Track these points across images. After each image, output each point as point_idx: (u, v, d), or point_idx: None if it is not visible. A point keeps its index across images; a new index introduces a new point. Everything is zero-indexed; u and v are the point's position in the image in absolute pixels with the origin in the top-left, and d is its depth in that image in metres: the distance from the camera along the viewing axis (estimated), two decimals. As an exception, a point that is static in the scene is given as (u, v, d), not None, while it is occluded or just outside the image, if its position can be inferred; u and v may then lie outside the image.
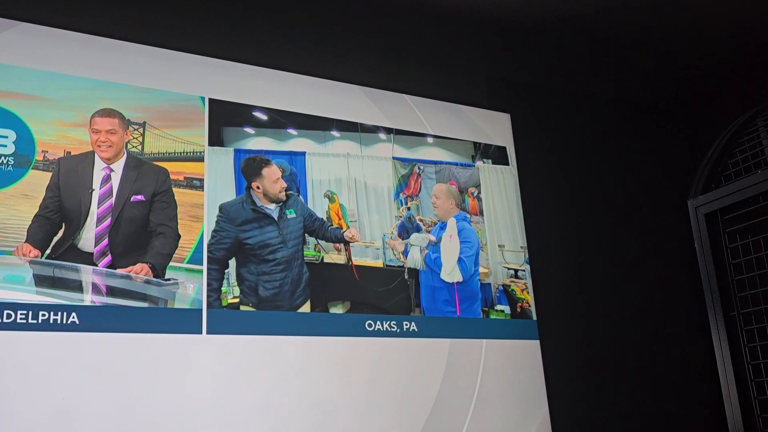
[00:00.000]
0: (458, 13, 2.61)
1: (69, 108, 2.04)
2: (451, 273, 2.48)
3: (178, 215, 2.10)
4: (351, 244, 2.36)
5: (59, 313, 1.84)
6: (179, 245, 2.06)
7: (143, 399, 1.87)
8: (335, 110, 2.47)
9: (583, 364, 2.65)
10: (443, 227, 2.55)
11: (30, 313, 1.81)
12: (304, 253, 2.28)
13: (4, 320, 1.77)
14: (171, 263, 2.04)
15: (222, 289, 2.09)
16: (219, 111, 2.25)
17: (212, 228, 2.13)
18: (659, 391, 2.79)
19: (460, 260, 2.51)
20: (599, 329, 2.75)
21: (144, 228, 2.05)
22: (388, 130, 2.56)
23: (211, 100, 2.24)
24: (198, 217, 2.12)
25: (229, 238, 2.15)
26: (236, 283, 2.13)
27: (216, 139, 2.23)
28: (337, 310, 2.26)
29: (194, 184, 2.15)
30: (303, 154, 2.38)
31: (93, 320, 1.87)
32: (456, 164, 2.66)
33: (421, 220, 2.52)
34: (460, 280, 2.48)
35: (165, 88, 2.19)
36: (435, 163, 2.62)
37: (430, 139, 2.64)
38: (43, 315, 1.82)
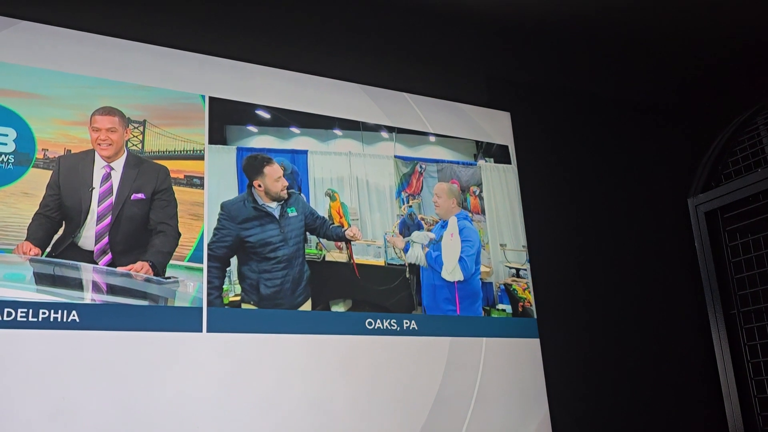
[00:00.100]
0: (458, 11, 2.61)
1: (69, 106, 2.04)
2: (452, 272, 2.48)
3: (178, 213, 2.10)
4: (352, 243, 2.36)
5: (59, 312, 1.84)
6: (180, 243, 2.06)
7: (143, 397, 1.87)
8: (336, 109, 2.47)
9: (583, 362, 2.66)
10: (444, 226, 2.55)
11: (30, 311, 1.81)
12: (306, 251, 2.28)
13: (5, 318, 1.77)
14: (171, 261, 2.03)
15: (223, 287, 2.09)
16: (219, 109, 2.25)
17: (213, 226, 2.13)
18: (659, 389, 2.79)
19: (461, 259, 2.51)
20: (599, 327, 2.75)
21: (144, 226, 2.05)
22: (390, 129, 2.56)
23: (211, 99, 2.24)
24: (198, 216, 2.12)
25: (231, 236, 2.15)
26: (237, 281, 2.13)
27: (218, 138, 2.23)
28: (338, 308, 2.26)
29: (194, 182, 2.15)
30: (305, 152, 2.38)
31: (93, 318, 1.87)
32: (458, 163, 2.66)
33: (423, 219, 2.52)
34: (461, 279, 2.49)
35: (165, 86, 2.18)
36: (437, 161, 2.62)
37: (432, 138, 2.64)
38: (44, 313, 1.82)
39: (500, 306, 2.53)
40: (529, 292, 2.59)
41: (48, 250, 1.91)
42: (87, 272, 1.94)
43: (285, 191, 2.29)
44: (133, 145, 2.11)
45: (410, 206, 2.52)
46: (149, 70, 2.18)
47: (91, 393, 1.81)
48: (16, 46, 2.01)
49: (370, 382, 2.18)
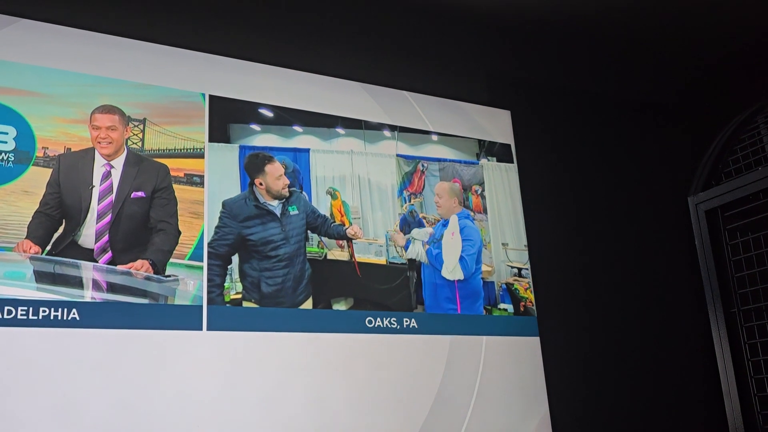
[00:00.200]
0: (459, 10, 2.61)
1: (69, 104, 2.03)
2: (452, 271, 2.48)
3: (178, 212, 2.09)
4: (354, 241, 2.36)
5: (60, 310, 1.84)
6: (180, 242, 2.06)
7: (143, 395, 1.87)
8: (337, 107, 2.47)
9: (584, 360, 2.66)
10: (445, 224, 2.55)
11: (30, 309, 1.81)
12: (308, 249, 2.28)
13: (5, 316, 1.77)
14: (172, 260, 2.03)
15: (225, 285, 2.09)
16: (219, 108, 2.25)
17: (214, 224, 2.13)
18: (659, 387, 2.79)
19: (461, 258, 2.51)
20: (599, 326, 2.75)
21: (144, 224, 2.05)
22: (393, 128, 2.56)
23: (211, 97, 2.24)
24: (198, 214, 2.12)
25: (232, 234, 2.15)
26: (239, 279, 2.12)
27: (219, 136, 2.22)
28: (340, 306, 2.26)
29: (194, 180, 2.15)
30: (307, 150, 2.38)
31: (93, 316, 1.87)
32: (460, 162, 2.66)
33: (425, 217, 2.52)
34: (461, 278, 2.49)
35: (165, 84, 2.18)
36: (439, 160, 2.62)
37: (434, 137, 2.64)
38: (44, 311, 1.82)
39: (502, 305, 2.53)
40: (531, 292, 2.59)
41: (48, 248, 1.91)
42: (87, 270, 1.94)
43: (286, 189, 2.29)
44: (133, 143, 2.11)
45: (412, 204, 2.51)
46: (149, 68, 2.17)
47: (91, 391, 1.81)
48: (16, 45, 2.01)
49: (371, 381, 2.18)
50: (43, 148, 1.97)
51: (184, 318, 1.99)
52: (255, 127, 2.31)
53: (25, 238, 1.88)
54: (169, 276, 2.02)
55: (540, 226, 2.73)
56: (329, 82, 2.48)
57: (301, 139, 2.39)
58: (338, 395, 2.12)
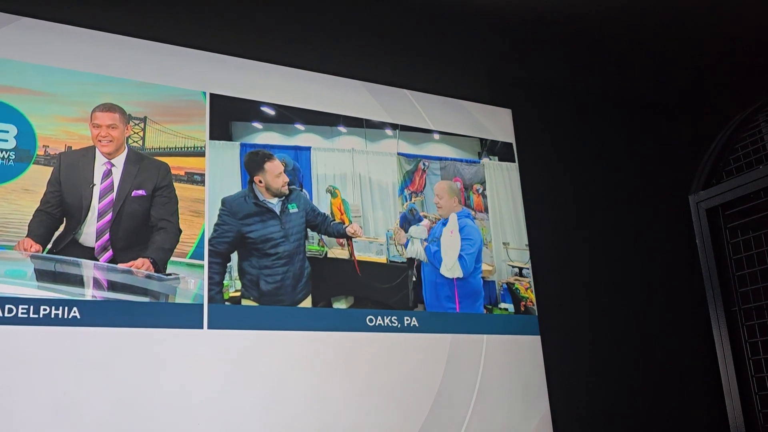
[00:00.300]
0: (460, 9, 2.61)
1: (70, 103, 2.04)
2: (451, 269, 2.48)
3: (179, 210, 2.10)
4: (354, 240, 2.36)
5: (60, 308, 1.84)
6: (181, 240, 2.06)
7: (144, 394, 1.87)
8: (337, 106, 2.47)
9: (584, 359, 2.66)
10: (445, 223, 2.55)
11: (31, 307, 1.81)
12: (308, 247, 2.28)
13: (6, 315, 1.78)
14: (172, 258, 2.04)
15: (224, 282, 2.09)
16: (220, 106, 2.25)
17: (214, 222, 2.13)
18: (660, 386, 2.79)
19: (460, 257, 2.51)
20: (600, 325, 2.75)
21: (145, 223, 2.05)
22: (394, 126, 2.56)
23: (212, 95, 2.24)
24: (199, 212, 2.12)
25: (232, 232, 2.15)
26: (238, 277, 2.13)
27: (220, 134, 2.22)
28: (340, 305, 2.26)
29: (195, 179, 2.15)
30: (308, 149, 2.38)
31: (94, 315, 1.87)
32: (461, 161, 2.65)
33: (425, 216, 2.52)
34: (460, 275, 2.48)
35: (166, 83, 2.18)
36: (440, 159, 2.61)
37: (436, 136, 2.63)
38: (45, 310, 1.82)
39: (502, 305, 2.53)
40: (532, 292, 2.59)
41: (49, 246, 1.91)
42: (88, 269, 1.94)
43: (286, 187, 2.29)
44: (134, 141, 2.11)
45: (412, 203, 2.51)
46: (150, 66, 2.18)
47: (91, 389, 1.81)
48: (17, 43, 2.01)
49: (371, 379, 2.18)
50: (43, 146, 1.97)
51: (185, 316, 1.99)
52: (257, 125, 2.31)
53: (26, 236, 1.88)
54: (169, 274, 2.02)
55: (541, 224, 2.73)
56: (330, 80, 2.48)
57: (303, 137, 2.39)
58: (339, 394, 2.12)
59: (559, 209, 2.85)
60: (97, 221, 1.99)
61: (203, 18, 2.37)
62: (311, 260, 2.27)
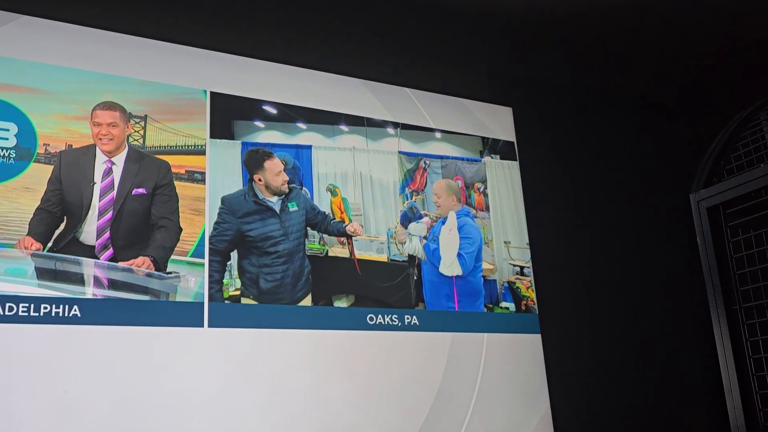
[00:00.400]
0: (461, 7, 2.61)
1: (70, 101, 2.04)
2: (450, 266, 2.48)
3: (179, 209, 2.10)
4: (354, 239, 2.36)
5: (61, 306, 1.84)
6: (182, 239, 2.06)
7: (144, 392, 1.87)
8: (338, 104, 2.46)
9: (585, 358, 2.66)
10: (444, 221, 2.55)
11: (32, 306, 1.81)
12: (309, 246, 2.28)
13: (6, 313, 1.78)
14: (173, 256, 2.03)
15: (223, 281, 2.09)
16: (221, 104, 2.25)
17: (214, 220, 2.13)
18: (660, 385, 2.79)
19: (459, 255, 2.51)
20: (601, 323, 2.75)
21: (145, 221, 2.05)
22: (395, 125, 2.56)
23: (212, 94, 2.24)
24: (199, 211, 2.12)
25: (231, 230, 2.15)
26: (238, 276, 2.12)
27: (221, 133, 2.22)
28: (341, 303, 2.26)
29: (196, 177, 2.15)
30: (309, 147, 2.38)
31: (95, 313, 1.87)
32: (462, 159, 2.65)
33: (426, 215, 2.52)
34: (459, 273, 2.48)
35: (167, 81, 2.18)
36: (441, 157, 2.61)
37: (438, 134, 2.63)
38: (45, 308, 1.82)
39: (503, 304, 2.53)
40: (533, 291, 2.59)
41: (49, 245, 1.91)
42: (88, 267, 1.94)
43: (286, 186, 2.29)
44: (134, 140, 2.11)
45: (413, 201, 2.51)
46: (151, 65, 2.17)
47: (92, 388, 1.81)
48: (17, 41, 2.01)
49: (372, 378, 2.18)
50: (44, 144, 1.97)
51: (186, 315, 1.99)
52: (259, 123, 2.31)
53: (27, 234, 1.88)
54: (170, 273, 2.02)
55: (542, 222, 2.73)
56: (330, 79, 2.48)
57: (305, 136, 2.39)
58: (340, 392, 2.12)
59: (560, 207, 2.85)
60: (98, 219, 1.99)
61: (204, 16, 2.37)
62: (312, 259, 2.27)
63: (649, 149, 3.18)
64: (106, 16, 2.17)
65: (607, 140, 3.10)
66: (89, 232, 1.97)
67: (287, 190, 2.29)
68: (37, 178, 1.94)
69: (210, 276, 2.06)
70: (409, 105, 2.61)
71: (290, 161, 2.33)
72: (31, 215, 1.91)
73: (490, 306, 2.50)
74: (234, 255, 2.14)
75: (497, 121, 2.77)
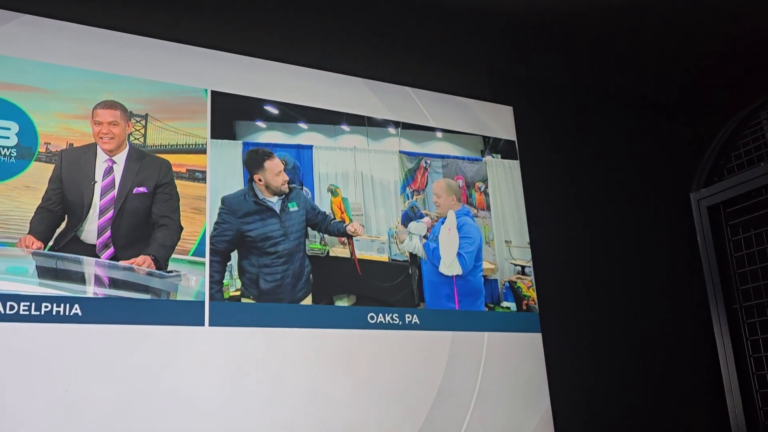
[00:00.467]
0: (461, 6, 2.61)
1: (71, 100, 2.03)
2: (450, 266, 2.48)
3: (180, 207, 2.10)
4: (355, 239, 2.36)
5: (62, 305, 1.84)
6: (183, 238, 2.06)
7: (146, 391, 1.87)
8: (338, 103, 2.46)
9: (585, 357, 2.66)
10: (443, 221, 2.55)
11: (33, 304, 1.81)
12: (310, 246, 2.28)
13: (7, 312, 1.77)
14: (174, 255, 2.03)
15: (224, 281, 2.09)
16: (222, 103, 2.25)
17: (215, 220, 2.13)
18: (661, 383, 2.79)
19: (459, 255, 2.51)
20: (601, 322, 2.75)
21: (146, 220, 2.05)
22: (396, 124, 2.56)
23: (213, 92, 2.24)
24: (200, 210, 2.12)
25: (231, 231, 2.15)
26: (238, 276, 2.12)
27: (221, 132, 2.22)
28: (342, 304, 2.26)
29: (196, 176, 2.15)
30: (310, 147, 2.38)
31: (95, 312, 1.87)
32: (463, 158, 2.65)
33: (427, 214, 2.52)
34: (459, 273, 2.48)
35: (168, 80, 2.18)
36: (442, 157, 2.61)
37: (439, 134, 2.63)
38: (46, 306, 1.82)
39: (505, 304, 2.53)
40: (534, 290, 2.59)
41: (50, 243, 1.91)
42: (89, 266, 1.94)
43: (286, 186, 2.29)
44: (135, 138, 2.11)
45: (414, 200, 2.51)
46: (152, 64, 2.17)
47: (93, 386, 1.81)
48: (18, 40, 2.01)
49: (372, 376, 2.18)
50: (45, 143, 1.97)
51: (187, 313, 1.99)
52: (261, 124, 2.31)
53: (28, 233, 1.88)
54: (171, 272, 2.02)
55: (542, 221, 2.73)
56: (331, 78, 2.48)
57: (306, 136, 2.39)
58: (340, 391, 2.12)
59: (560, 206, 2.85)
60: (99, 218, 1.99)
61: (205, 15, 2.37)
62: (313, 259, 2.27)
63: (650, 148, 3.19)
64: (107, 15, 2.17)
65: (607, 139, 3.10)
66: (90, 230, 1.97)
67: (287, 190, 2.29)
68: (38, 176, 1.94)
69: (210, 276, 2.06)
70: (410, 104, 2.61)
71: (290, 161, 2.33)
72: (32, 214, 1.90)
73: (491, 306, 2.50)
74: (234, 255, 2.14)
75: (498, 120, 2.77)
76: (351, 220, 2.37)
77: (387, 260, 2.40)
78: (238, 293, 2.10)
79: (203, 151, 2.17)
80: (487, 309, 2.49)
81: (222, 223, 2.14)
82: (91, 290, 1.91)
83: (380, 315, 2.28)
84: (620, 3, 2.64)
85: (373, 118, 2.52)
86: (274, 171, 2.28)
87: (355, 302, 2.28)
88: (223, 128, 2.23)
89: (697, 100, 3.28)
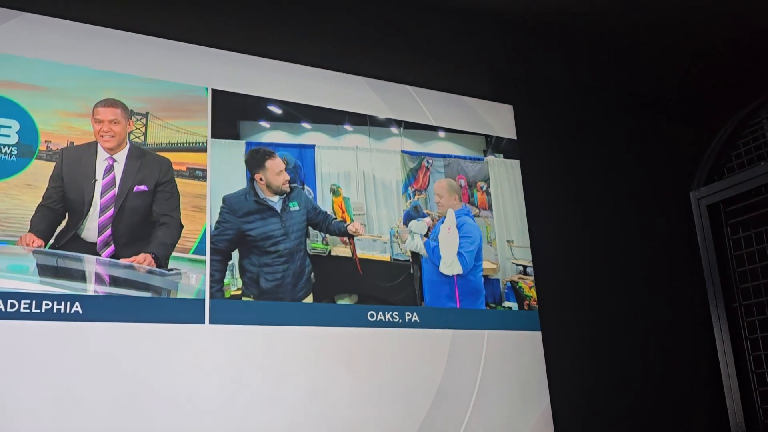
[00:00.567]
0: (462, 5, 2.61)
1: (72, 98, 2.04)
2: (450, 266, 2.48)
3: (180, 206, 2.10)
4: (356, 238, 2.36)
5: (62, 303, 1.84)
6: (183, 236, 2.06)
7: (146, 388, 1.87)
8: (339, 101, 2.46)
9: (585, 355, 2.66)
10: (443, 220, 2.55)
11: (33, 302, 1.81)
12: (312, 245, 2.28)
13: (8, 310, 1.78)
14: (175, 253, 2.04)
15: (225, 280, 2.09)
16: (222, 102, 2.25)
17: (216, 219, 2.13)
18: (660, 382, 2.80)
19: (459, 254, 2.51)
20: (601, 320, 2.75)
21: (147, 218, 2.05)
22: (399, 124, 2.56)
23: (214, 91, 2.24)
24: (200, 208, 2.12)
25: (232, 230, 2.15)
26: (239, 276, 2.13)
27: (226, 132, 2.22)
28: (344, 303, 2.26)
29: (197, 174, 2.15)
30: (312, 147, 2.38)
31: (96, 310, 1.87)
32: (465, 158, 2.65)
33: (429, 214, 2.52)
34: (460, 272, 2.48)
35: (168, 78, 2.18)
36: (444, 156, 2.61)
37: (441, 134, 2.63)
38: (47, 304, 1.82)
39: (506, 303, 2.52)
40: (536, 290, 2.59)
41: (51, 241, 1.91)
42: (90, 264, 1.94)
43: (287, 185, 2.29)
44: (136, 137, 2.11)
45: (416, 200, 2.51)
46: (153, 62, 2.18)
47: (93, 384, 1.82)
48: (19, 38, 2.01)
49: (372, 374, 2.18)
50: (46, 141, 1.97)
51: (187, 312, 1.99)
52: (264, 124, 2.31)
53: (28, 231, 1.88)
54: (171, 270, 2.02)
55: (542, 219, 2.73)
56: (331, 76, 2.48)
57: (310, 135, 2.39)
58: (340, 389, 2.12)
59: (561, 205, 2.85)
60: (99, 216, 1.99)
61: (205, 14, 2.37)
62: (315, 258, 2.27)
63: (650, 147, 3.19)
64: (107, 13, 2.17)
65: (607, 138, 3.10)
66: (91, 228, 1.98)
67: (288, 190, 2.29)
68: (38, 175, 1.94)
69: (210, 275, 2.06)
70: (411, 102, 2.61)
71: (291, 161, 2.33)
72: (33, 212, 1.91)
73: (493, 306, 2.50)
74: (235, 255, 2.14)
75: (498, 119, 2.77)
76: (352, 220, 2.37)
77: (389, 260, 2.40)
78: (239, 292, 2.11)
79: (204, 150, 2.17)
80: (487, 308, 2.48)
81: (223, 222, 2.14)
82: (91, 288, 1.91)
83: (380, 313, 2.28)
84: (621, 2, 2.64)
85: (375, 117, 2.52)
86: (275, 170, 2.28)
87: (356, 302, 2.28)
88: (226, 128, 2.23)
89: (697, 99, 3.28)
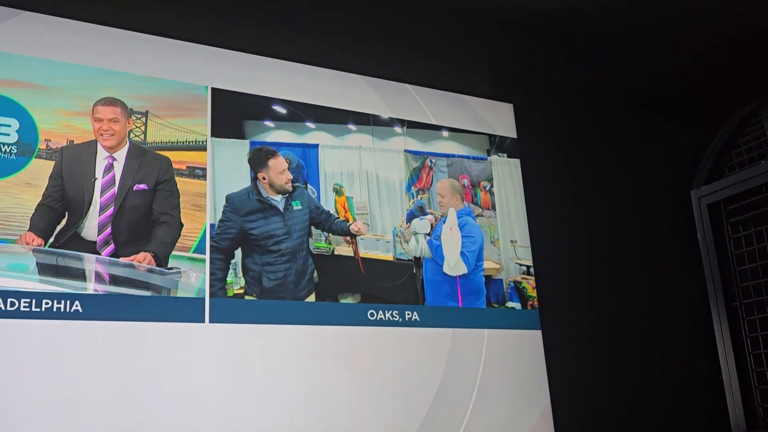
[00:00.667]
0: (462, 3, 2.61)
1: (72, 97, 2.03)
2: (454, 267, 2.47)
3: (180, 204, 2.10)
4: (359, 238, 2.36)
5: (62, 302, 1.84)
6: (183, 235, 2.06)
7: (146, 387, 1.87)
8: (339, 100, 2.46)
9: (585, 354, 2.66)
10: (445, 219, 2.55)
11: (33, 301, 1.81)
12: (316, 245, 2.27)
13: (8, 308, 1.77)
14: (175, 252, 2.03)
15: (228, 279, 2.09)
16: (222, 100, 2.25)
17: (218, 217, 2.13)
18: (660, 380, 2.80)
19: (462, 254, 2.50)
20: (601, 319, 2.75)
21: (147, 217, 2.05)
22: (402, 123, 2.55)
23: (214, 90, 2.24)
24: (200, 207, 2.12)
25: (234, 229, 2.15)
26: (242, 275, 2.12)
27: (230, 132, 2.21)
28: (346, 302, 2.26)
29: (197, 173, 2.15)
30: (316, 146, 2.38)
31: (96, 308, 1.87)
32: (468, 158, 2.65)
33: (432, 213, 2.52)
34: (465, 272, 2.47)
35: (168, 77, 2.18)
36: (447, 156, 2.61)
37: (444, 133, 2.63)
38: (47, 303, 1.82)
39: (509, 304, 2.52)
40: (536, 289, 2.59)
41: (51, 240, 1.91)
42: (90, 263, 1.94)
43: (290, 184, 2.29)
44: (136, 135, 2.11)
45: (420, 199, 2.51)
46: (152, 61, 2.17)
47: (93, 383, 1.81)
48: (19, 37, 2.00)
49: (373, 373, 2.18)
50: (45, 140, 1.97)
51: (187, 310, 1.99)
52: (269, 123, 2.31)
53: (28, 230, 1.88)
54: (171, 268, 2.02)
55: (543, 218, 2.73)
56: (331, 74, 2.48)
57: (314, 135, 2.39)
58: (340, 388, 2.12)
59: (561, 203, 2.85)
60: (99, 215, 1.99)
61: (205, 12, 2.37)
62: (318, 257, 2.26)
63: (650, 146, 3.19)
64: (108, 12, 2.17)
65: (607, 137, 3.10)
66: (91, 227, 1.97)
67: (291, 189, 2.29)
68: (38, 173, 1.94)
69: (212, 274, 2.06)
70: (411, 101, 2.61)
71: (294, 160, 2.33)
72: (33, 211, 1.90)
73: (496, 306, 2.50)
74: (238, 253, 2.14)
75: (498, 118, 2.77)
76: (355, 219, 2.37)
77: (392, 259, 2.39)
78: (242, 291, 2.10)
79: (203, 148, 2.17)
80: (488, 307, 2.48)
81: (225, 221, 2.14)
82: (91, 287, 1.91)
83: (380, 312, 2.28)
84: (621, 2, 2.64)
85: (378, 117, 2.52)
86: (278, 169, 2.28)
87: (359, 301, 2.27)
88: (229, 127, 2.22)
89: (698, 98, 3.28)
